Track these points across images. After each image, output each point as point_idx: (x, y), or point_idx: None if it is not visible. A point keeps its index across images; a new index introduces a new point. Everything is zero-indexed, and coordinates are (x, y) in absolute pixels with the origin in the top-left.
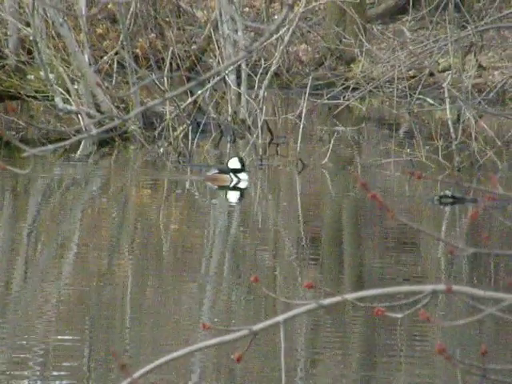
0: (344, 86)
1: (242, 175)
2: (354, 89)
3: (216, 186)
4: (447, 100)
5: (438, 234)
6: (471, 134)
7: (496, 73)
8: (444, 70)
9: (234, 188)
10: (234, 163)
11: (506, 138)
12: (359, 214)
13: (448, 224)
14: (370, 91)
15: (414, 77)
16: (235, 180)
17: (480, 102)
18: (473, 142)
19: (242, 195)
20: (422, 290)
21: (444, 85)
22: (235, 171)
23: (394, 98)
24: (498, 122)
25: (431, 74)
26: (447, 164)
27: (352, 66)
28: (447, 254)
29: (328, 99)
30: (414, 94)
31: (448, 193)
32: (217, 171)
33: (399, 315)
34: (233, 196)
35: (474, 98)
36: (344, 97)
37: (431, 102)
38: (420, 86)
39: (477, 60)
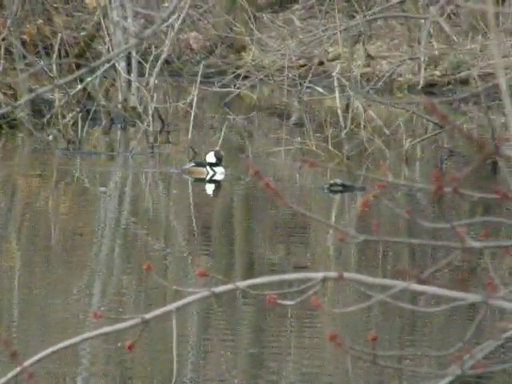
0: (235, 75)
1: (218, 169)
2: (245, 77)
3: (193, 179)
4: (336, 89)
5: (330, 222)
6: (360, 123)
7: (384, 62)
8: (333, 59)
9: (210, 181)
10: (210, 157)
11: (394, 127)
12: (250, 202)
13: (338, 212)
14: (261, 79)
15: (303, 66)
16: (211, 173)
17: (369, 91)
18: (362, 131)
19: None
20: (314, 277)
21: (333, 74)
22: (211, 165)
23: (284, 86)
24: (386, 111)
25: (321, 63)
26: (337, 152)
27: (243, 54)
28: (338, 242)
29: (219, 87)
30: (304, 82)
31: (338, 181)
32: (193, 164)
33: (291, 302)
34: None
35: (362, 87)
36: (235, 85)
37: (321, 90)
38: (310, 75)
39: (365, 49)
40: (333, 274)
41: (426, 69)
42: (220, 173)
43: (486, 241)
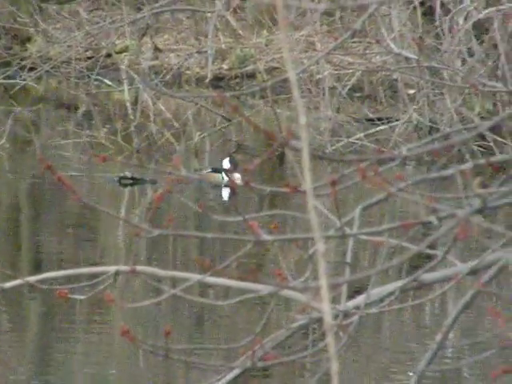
0: (20, 66)
1: (234, 175)
2: (31, 69)
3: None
4: (125, 81)
5: (123, 216)
6: (149, 116)
7: (172, 55)
8: (121, 52)
9: (226, 186)
10: (225, 163)
11: (183, 120)
12: (38, 196)
13: (129, 205)
14: (47, 71)
15: (91, 57)
16: (226, 179)
17: (157, 84)
18: (151, 124)
19: None
20: (106, 271)
21: (121, 66)
22: (226, 171)
23: (71, 78)
24: (175, 104)
25: (108, 55)
26: (126, 145)
27: (28, 45)
28: (131, 236)
29: (4, 79)
30: (92, 74)
31: (128, 174)
32: (210, 170)
33: (82, 297)
34: None
35: (151, 79)
36: (20, 77)
37: (109, 83)
38: (97, 67)
39: (153, 42)
40: (125, 267)
41: (213, 62)
42: (235, 179)
43: (276, 234)
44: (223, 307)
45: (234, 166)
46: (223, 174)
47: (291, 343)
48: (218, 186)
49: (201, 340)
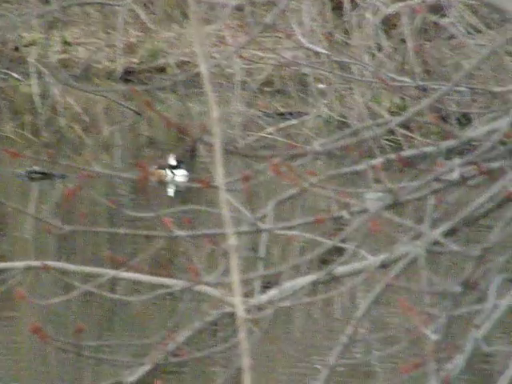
0: None
1: (178, 171)
2: None
3: (155, 181)
4: (33, 75)
5: (34, 212)
6: (58, 110)
7: (81, 49)
8: (29, 45)
9: (171, 183)
10: (171, 160)
11: (93, 114)
12: None
13: (38, 200)
14: None
15: None
16: (170, 175)
17: (66, 78)
18: (60, 118)
19: None
20: (15, 267)
21: (29, 60)
22: (172, 167)
23: None
24: (84, 98)
25: (16, 49)
26: (35, 139)
27: None
28: (43, 232)
29: None
30: None
31: (36, 168)
32: (155, 167)
33: None
34: None
35: (60, 73)
36: None
37: (16, 76)
38: (5, 60)
39: (61, 35)
40: (36, 262)
41: (123, 56)
42: (180, 175)
43: (190, 229)
44: (135, 303)
45: (179, 162)
46: (166, 170)
47: (204, 338)
48: (163, 183)
49: (112, 336)
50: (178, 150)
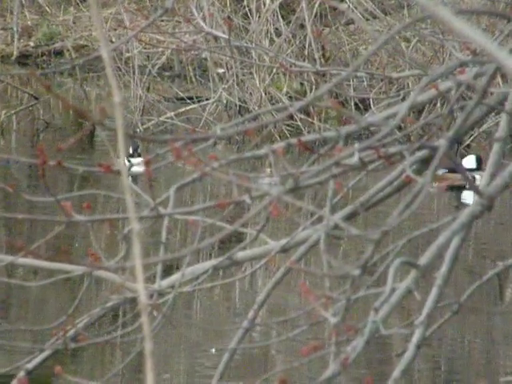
0: None
1: (135, 160)
2: None
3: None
4: None
5: None
6: None
7: None
8: None
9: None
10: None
11: None
12: None
13: None
14: None
15: None
16: (128, 164)
17: None
18: None
19: None
20: None
21: None
22: (128, 155)
23: None
24: None
25: None
26: None
27: None
28: None
29: None
30: None
31: None
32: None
33: None
34: None
35: None
36: None
37: None
38: None
39: None
40: None
41: (19, 39)
42: (136, 164)
43: (90, 214)
44: (32, 288)
45: (135, 150)
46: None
47: (104, 324)
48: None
49: (9, 322)
50: (77, 135)
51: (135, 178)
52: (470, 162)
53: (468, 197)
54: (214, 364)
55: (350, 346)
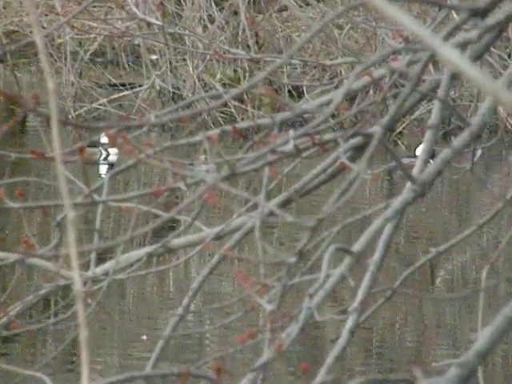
0: None
1: (112, 149)
2: None
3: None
4: None
5: None
6: None
7: None
8: None
9: (104, 161)
10: (103, 138)
11: None
12: None
13: None
14: None
15: None
16: (104, 154)
17: None
18: None
19: None
20: None
21: None
22: (105, 145)
23: None
24: None
25: None
26: None
27: None
28: None
29: None
30: None
31: None
32: (84, 145)
33: None
34: None
35: None
36: None
37: None
38: None
39: None
40: None
41: None
42: (113, 153)
43: (22, 201)
44: None
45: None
46: (100, 148)
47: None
48: (95, 162)
49: None
50: (9, 122)
51: (111, 166)
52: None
53: None
54: (148, 351)
55: (285, 332)
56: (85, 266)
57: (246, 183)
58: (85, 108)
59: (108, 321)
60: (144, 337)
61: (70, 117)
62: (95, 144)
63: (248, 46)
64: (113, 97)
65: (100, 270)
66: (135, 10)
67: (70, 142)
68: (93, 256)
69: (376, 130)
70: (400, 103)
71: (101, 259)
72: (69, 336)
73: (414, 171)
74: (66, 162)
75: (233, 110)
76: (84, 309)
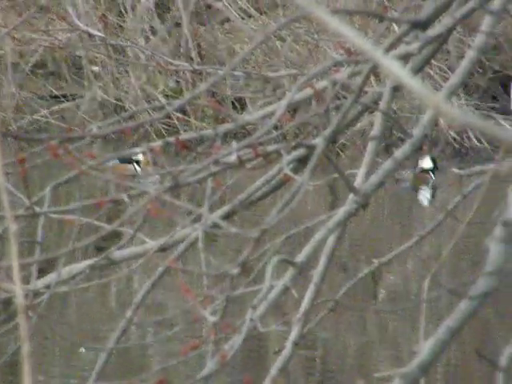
0: None
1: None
2: None
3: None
4: None
5: None
6: None
7: None
8: None
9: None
10: (138, 155)
11: None
12: None
13: None
14: None
15: None
16: (137, 170)
17: None
18: None
19: None
20: None
21: None
22: (138, 161)
23: None
24: None
25: None
26: None
27: None
28: None
29: None
30: None
31: None
32: (116, 161)
33: None
34: None
35: None
36: None
37: None
38: None
39: None
40: None
41: None
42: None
43: None
44: None
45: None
46: (134, 164)
47: None
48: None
49: None
50: None
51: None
52: (426, 162)
53: (423, 198)
54: (91, 362)
55: (228, 344)
56: (26, 279)
57: (189, 195)
58: (26, 119)
59: (50, 333)
60: (82, 349)
61: (10, 128)
62: (129, 161)
63: (191, 58)
64: (54, 108)
65: (41, 282)
66: (77, 21)
67: (10, 154)
68: (33, 269)
69: (319, 141)
70: (342, 115)
71: (42, 272)
72: (9, 349)
73: (356, 182)
74: (6, 174)
75: (176, 121)
76: (26, 322)
